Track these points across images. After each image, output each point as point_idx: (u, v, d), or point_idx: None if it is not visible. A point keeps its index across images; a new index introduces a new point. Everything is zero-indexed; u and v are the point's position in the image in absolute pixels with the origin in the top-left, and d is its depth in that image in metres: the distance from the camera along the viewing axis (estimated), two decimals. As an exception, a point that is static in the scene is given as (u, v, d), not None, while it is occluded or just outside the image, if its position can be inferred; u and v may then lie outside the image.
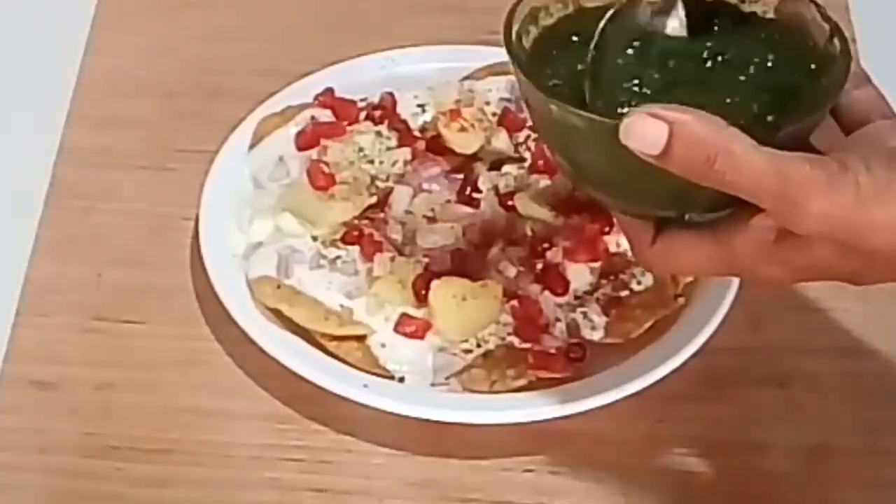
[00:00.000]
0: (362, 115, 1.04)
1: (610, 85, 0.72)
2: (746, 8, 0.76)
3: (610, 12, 0.74)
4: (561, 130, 0.70)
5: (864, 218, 0.66)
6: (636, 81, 0.72)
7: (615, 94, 0.72)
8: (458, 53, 1.10)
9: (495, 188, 1.00)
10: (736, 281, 0.95)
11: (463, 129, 1.01)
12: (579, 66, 0.73)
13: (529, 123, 1.03)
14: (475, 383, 0.91)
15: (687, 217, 0.71)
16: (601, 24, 0.73)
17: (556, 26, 0.77)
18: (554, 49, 0.75)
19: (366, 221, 0.98)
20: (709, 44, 0.74)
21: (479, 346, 0.92)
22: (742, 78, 0.72)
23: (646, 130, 0.66)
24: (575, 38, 0.75)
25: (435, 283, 0.92)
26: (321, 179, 0.99)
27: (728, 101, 0.71)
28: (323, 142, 1.01)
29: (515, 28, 0.75)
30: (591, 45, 0.73)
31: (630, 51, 0.74)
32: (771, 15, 0.76)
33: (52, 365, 0.94)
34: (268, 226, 0.98)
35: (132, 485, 0.89)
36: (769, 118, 0.70)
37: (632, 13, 0.75)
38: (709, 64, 0.73)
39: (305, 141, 1.02)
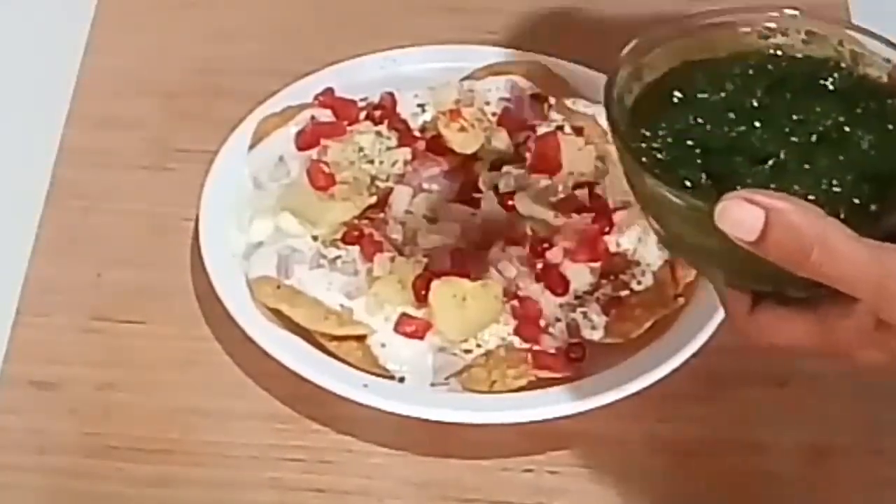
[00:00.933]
0: (362, 115, 1.04)
1: (706, 155, 0.69)
2: (860, 70, 0.73)
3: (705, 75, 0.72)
4: (655, 202, 0.68)
5: None
6: (736, 157, 0.69)
7: (711, 166, 0.69)
8: (458, 53, 1.10)
9: (495, 188, 1.00)
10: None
11: (463, 129, 1.01)
12: (678, 128, 0.70)
13: (529, 123, 1.03)
14: (475, 383, 0.91)
15: (785, 293, 0.69)
16: (701, 92, 0.71)
17: (659, 82, 0.73)
18: (655, 108, 0.72)
19: (366, 221, 0.98)
20: (813, 115, 0.70)
21: (479, 346, 0.92)
22: (846, 157, 0.69)
23: (742, 216, 0.64)
24: (679, 96, 0.72)
25: (435, 283, 0.92)
26: (321, 179, 0.99)
27: (829, 184, 0.68)
28: (323, 142, 1.01)
29: (616, 90, 0.71)
30: (690, 114, 0.70)
31: (729, 117, 0.71)
32: (885, 78, 0.73)
33: (52, 365, 0.94)
34: (268, 226, 0.98)
35: (132, 485, 0.89)
36: (872, 207, 0.67)
37: (730, 76, 0.72)
38: (813, 138, 0.70)
39: (305, 141, 1.02)
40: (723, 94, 0.72)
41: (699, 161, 0.69)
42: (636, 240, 0.97)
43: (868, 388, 0.94)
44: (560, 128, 1.03)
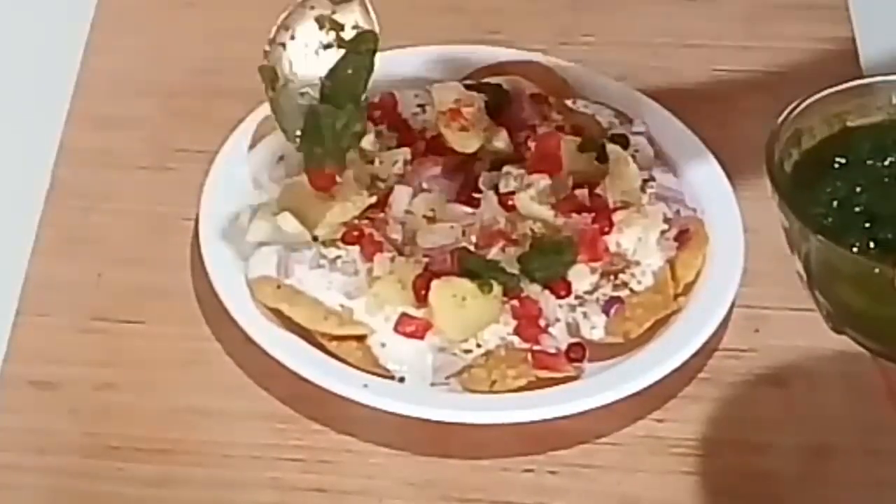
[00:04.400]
0: (362, 115, 1.04)
1: (872, 222, 0.68)
2: None
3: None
4: (826, 268, 0.67)
5: None
6: None
7: (878, 233, 0.68)
8: (458, 53, 1.10)
9: (495, 188, 1.00)
10: (736, 281, 0.95)
11: (463, 129, 1.01)
12: (842, 195, 0.69)
13: (530, 123, 1.03)
14: (475, 383, 0.91)
15: None
16: (865, 159, 0.70)
17: (819, 148, 0.72)
18: (817, 174, 0.71)
19: (366, 221, 0.97)
20: None
21: (479, 346, 0.92)
22: None
23: None
24: (841, 161, 0.71)
25: (435, 283, 0.92)
26: (321, 179, 0.99)
27: None
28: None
29: (777, 153, 0.70)
30: (854, 180, 0.69)
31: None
32: None
33: (52, 365, 0.94)
34: (268, 226, 0.98)
35: (132, 485, 0.89)
36: None
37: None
38: None
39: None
40: (887, 161, 0.71)
41: (866, 227, 0.68)
42: (636, 240, 0.97)
43: (868, 389, 0.94)
44: (560, 128, 1.03)
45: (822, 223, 0.68)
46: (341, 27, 0.97)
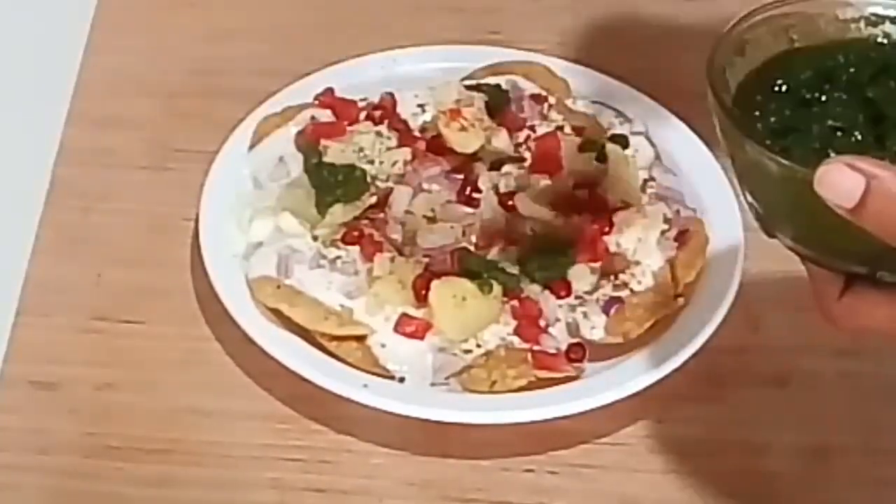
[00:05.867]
0: (362, 115, 1.04)
1: (811, 131, 0.69)
2: None
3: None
4: (755, 170, 0.68)
5: None
6: (839, 126, 0.69)
7: (815, 139, 0.69)
8: (458, 53, 1.10)
9: (495, 188, 1.00)
10: (736, 281, 0.95)
11: (463, 129, 1.01)
12: (786, 111, 0.71)
13: (530, 123, 1.03)
14: (475, 383, 0.91)
15: (878, 275, 0.68)
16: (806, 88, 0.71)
17: (761, 69, 0.73)
18: (760, 90, 0.72)
19: (366, 221, 0.97)
20: None
21: (479, 346, 0.92)
22: None
23: (842, 181, 0.63)
24: (782, 83, 0.72)
25: (435, 283, 0.92)
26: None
27: None
28: (323, 142, 1.01)
29: (716, 60, 0.72)
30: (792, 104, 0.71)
31: (836, 92, 0.71)
32: None
33: (52, 365, 0.94)
34: (268, 226, 0.98)
35: (132, 485, 0.89)
36: None
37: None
38: None
39: (306, 141, 1.02)
40: (822, 96, 0.71)
41: (801, 135, 0.69)
42: (636, 240, 0.97)
43: (868, 388, 0.94)
44: (560, 128, 1.03)
45: (753, 127, 0.70)
46: None
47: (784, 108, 0.71)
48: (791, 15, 0.74)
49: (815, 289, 0.71)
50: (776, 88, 0.72)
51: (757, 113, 0.71)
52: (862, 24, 0.75)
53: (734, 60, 0.73)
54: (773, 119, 0.71)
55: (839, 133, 0.70)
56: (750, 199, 0.72)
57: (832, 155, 0.67)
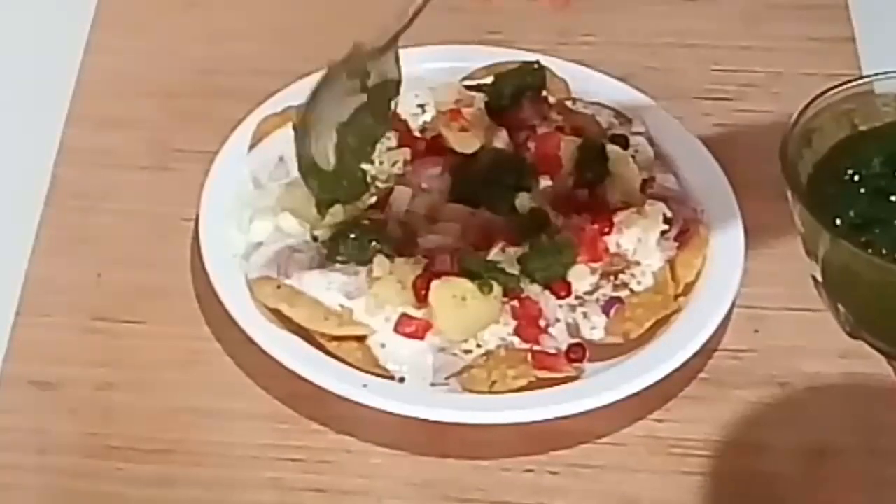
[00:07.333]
0: (362, 115, 1.04)
1: (893, 221, 0.68)
2: None
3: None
4: (843, 273, 0.67)
5: None
6: None
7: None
8: (458, 53, 1.10)
9: (496, 188, 1.00)
10: (736, 281, 0.95)
11: (463, 129, 1.01)
12: (864, 202, 0.69)
13: (530, 123, 1.03)
14: (475, 383, 0.91)
15: None
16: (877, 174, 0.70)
17: (830, 156, 0.71)
18: (831, 181, 0.70)
19: (366, 221, 0.97)
20: None
21: (479, 346, 0.92)
22: None
23: None
24: (850, 174, 0.70)
25: (435, 283, 0.92)
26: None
27: None
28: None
29: (790, 155, 0.70)
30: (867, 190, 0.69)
31: None
32: None
33: (52, 365, 0.94)
34: (268, 226, 0.98)
35: (132, 485, 0.89)
36: None
37: None
38: None
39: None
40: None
41: (876, 232, 0.68)
42: (636, 240, 0.97)
43: (868, 389, 0.94)
44: (560, 128, 1.03)
45: (838, 227, 0.68)
46: (367, 74, 0.91)
47: (860, 198, 0.69)
48: (850, 98, 0.72)
49: None
50: (848, 178, 0.70)
51: (834, 207, 0.69)
52: None
53: (803, 153, 0.71)
54: (852, 213, 0.69)
55: None
56: (834, 299, 0.70)
57: None
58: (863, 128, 0.73)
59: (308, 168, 0.90)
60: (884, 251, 0.67)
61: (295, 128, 0.89)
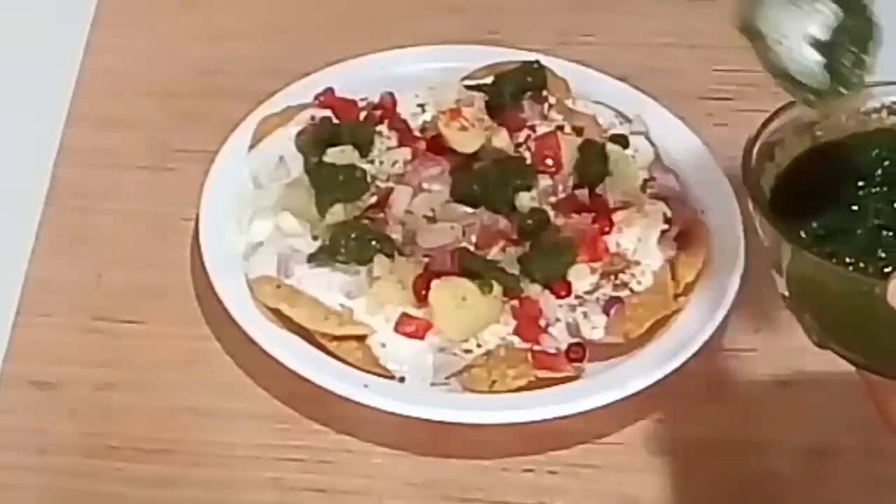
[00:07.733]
0: (362, 115, 1.04)
1: (855, 232, 0.69)
2: None
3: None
4: (808, 284, 0.67)
5: None
6: (883, 224, 0.69)
7: (862, 240, 0.69)
8: (458, 53, 1.10)
9: (496, 188, 1.00)
10: (736, 281, 0.95)
11: (463, 129, 1.01)
12: (826, 214, 0.70)
13: (530, 123, 1.03)
14: (475, 383, 0.91)
15: None
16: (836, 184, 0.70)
17: (791, 167, 0.72)
18: (793, 193, 0.71)
19: (366, 221, 0.97)
20: None
21: (479, 346, 0.92)
22: None
23: None
24: (819, 179, 0.71)
25: (435, 283, 0.92)
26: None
27: None
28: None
29: (753, 168, 0.70)
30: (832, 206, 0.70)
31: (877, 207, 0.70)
32: None
33: (52, 365, 0.94)
34: (268, 226, 0.98)
35: (132, 485, 0.89)
36: None
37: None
38: None
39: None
40: (860, 191, 0.71)
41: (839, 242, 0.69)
42: (636, 240, 0.97)
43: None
44: (560, 128, 1.03)
45: (802, 239, 0.69)
46: None
47: (822, 210, 0.70)
48: (812, 111, 0.73)
49: (875, 398, 0.71)
50: (810, 190, 0.71)
51: (797, 219, 0.69)
52: (884, 114, 0.74)
53: (766, 166, 0.72)
54: (815, 224, 0.70)
55: (885, 232, 0.69)
56: (801, 310, 0.70)
57: (881, 254, 0.68)
58: (825, 140, 0.73)
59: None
60: (848, 260, 0.67)
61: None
